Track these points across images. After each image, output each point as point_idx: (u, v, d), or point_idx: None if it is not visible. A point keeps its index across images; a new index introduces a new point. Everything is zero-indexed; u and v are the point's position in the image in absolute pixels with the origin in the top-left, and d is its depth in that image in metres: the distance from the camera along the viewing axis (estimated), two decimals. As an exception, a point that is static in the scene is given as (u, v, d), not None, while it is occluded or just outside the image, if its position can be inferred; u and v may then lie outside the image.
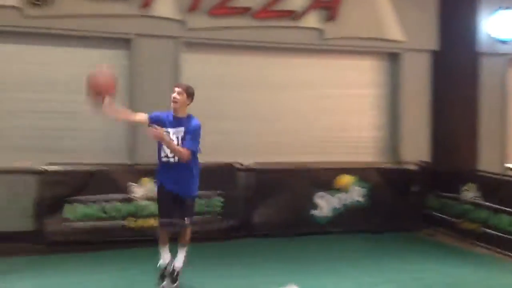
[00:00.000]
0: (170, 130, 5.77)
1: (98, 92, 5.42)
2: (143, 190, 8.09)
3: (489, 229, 8.13)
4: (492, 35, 10.00)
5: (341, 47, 9.56)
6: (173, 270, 5.92)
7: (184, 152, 5.69)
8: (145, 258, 7.09)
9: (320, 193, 8.90)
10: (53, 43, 8.31)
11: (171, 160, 5.81)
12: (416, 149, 9.75)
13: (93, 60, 8.41)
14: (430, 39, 9.87)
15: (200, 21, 8.73)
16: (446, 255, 7.91)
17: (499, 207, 8.00)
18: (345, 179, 9.04)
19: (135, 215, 8.06)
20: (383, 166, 9.52)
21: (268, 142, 9.24)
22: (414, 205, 9.42)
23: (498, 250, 7.92)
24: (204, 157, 8.61)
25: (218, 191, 8.38)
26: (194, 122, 5.86)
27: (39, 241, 7.71)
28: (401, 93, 9.85)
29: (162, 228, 5.93)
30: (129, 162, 8.53)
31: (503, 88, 10.19)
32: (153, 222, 7.88)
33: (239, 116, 9.17)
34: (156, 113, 5.88)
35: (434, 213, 9.28)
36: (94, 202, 7.91)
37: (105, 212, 7.95)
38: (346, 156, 9.45)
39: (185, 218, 5.89)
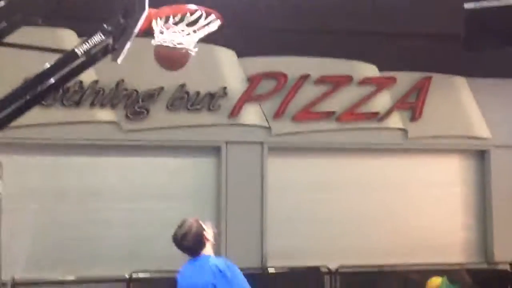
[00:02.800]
0: None
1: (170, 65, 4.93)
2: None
3: None
4: None
5: (426, 146, 9.55)
6: None
7: None
8: None
9: (411, 297, 8.77)
10: (146, 154, 8.77)
11: None
12: (509, 249, 9.40)
13: (185, 169, 8.91)
14: (517, 135, 9.72)
15: (285, 126, 9.02)
16: None
17: None
18: (436, 282, 8.83)
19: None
20: (474, 267, 9.26)
21: (355, 244, 9.19)
22: (509, 308, 9.08)
23: None
24: (292, 261, 8.82)
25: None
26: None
27: None
28: (490, 191, 9.64)
29: None
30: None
31: None
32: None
33: (325, 218, 9.22)
34: None
35: (530, 316, 8.90)
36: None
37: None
38: (435, 258, 9.23)
39: None
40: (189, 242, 4.41)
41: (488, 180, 9.71)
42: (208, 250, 4.44)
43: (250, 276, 8.39)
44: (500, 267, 9.31)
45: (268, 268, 8.75)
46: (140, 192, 8.69)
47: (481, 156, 9.84)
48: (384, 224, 9.39)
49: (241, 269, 8.00)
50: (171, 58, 4.75)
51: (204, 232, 4.40)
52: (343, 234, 9.20)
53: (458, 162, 9.87)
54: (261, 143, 8.97)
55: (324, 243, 9.16)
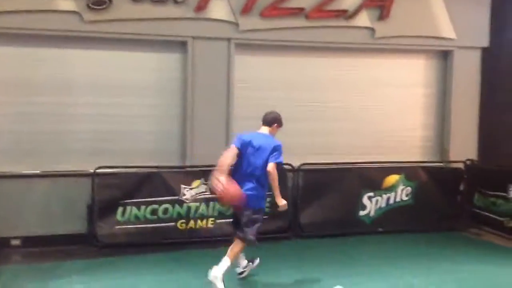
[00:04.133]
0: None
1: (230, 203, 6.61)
2: (194, 192, 8.30)
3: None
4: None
5: (392, 46, 9.55)
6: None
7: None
8: (195, 260, 7.52)
9: (368, 193, 9.07)
10: (110, 47, 8.48)
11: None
12: (464, 148, 9.80)
13: (150, 64, 8.68)
14: (481, 36, 9.81)
15: (252, 22, 8.82)
16: (492, 255, 8.09)
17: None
18: (393, 179, 9.17)
19: (186, 217, 8.26)
20: (430, 165, 9.60)
21: (318, 142, 9.38)
22: (461, 204, 9.56)
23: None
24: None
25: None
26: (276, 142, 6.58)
27: (92, 244, 7.94)
28: (451, 92, 9.86)
29: None
30: (180, 164, 8.77)
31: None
32: (203, 224, 8.23)
33: (289, 117, 9.19)
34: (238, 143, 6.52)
35: (481, 212, 9.39)
36: (146, 204, 8.08)
37: (156, 215, 8.12)
38: (395, 156, 9.55)
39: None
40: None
41: (450, 80, 9.88)
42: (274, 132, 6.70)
43: None
44: (455, 165, 9.69)
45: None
46: (106, 86, 8.49)
47: (444, 56, 9.95)
48: (347, 123, 9.56)
49: (207, 167, 8.21)
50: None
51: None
52: (307, 132, 9.33)
53: (423, 63, 9.97)
54: (228, 39, 8.78)
55: (287, 141, 9.23)
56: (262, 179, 6.43)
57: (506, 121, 9.69)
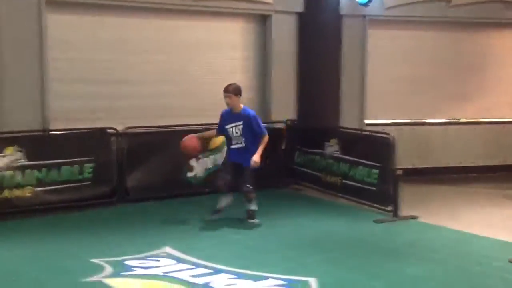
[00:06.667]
0: (231, 125, 7.50)
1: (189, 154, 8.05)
2: (7, 159, 7.69)
3: (348, 180, 8.80)
4: (353, -2, 10.50)
5: (212, 9, 9.57)
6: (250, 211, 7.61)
7: (265, 140, 7.57)
8: (11, 232, 7.05)
9: (194, 155, 9.08)
10: None
11: (240, 146, 7.54)
12: (285, 109, 10.18)
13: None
14: (297, 1, 10.16)
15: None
16: (310, 208, 8.53)
17: (357, 160, 8.66)
18: (220, 140, 9.24)
19: (-1, 187, 7.64)
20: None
21: (139, 106, 9.19)
22: (283, 162, 9.93)
23: (356, 200, 8.63)
24: (77, 123, 8.51)
25: (90, 157, 8.24)
26: (251, 113, 7.52)
27: None
28: (270, 55, 10.15)
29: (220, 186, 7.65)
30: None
31: (363, 49, 10.77)
32: (19, 193, 7.65)
33: (109, 80, 8.98)
34: (219, 122, 7.67)
35: (301, 168, 9.86)
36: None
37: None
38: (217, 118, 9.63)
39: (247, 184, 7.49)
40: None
41: (268, 44, 10.17)
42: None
43: (32, 138, 8.11)
44: (276, 126, 10.04)
45: (51, 131, 8.36)
46: None
47: (263, 20, 10.20)
48: (168, 86, 9.46)
49: (21, 132, 7.68)
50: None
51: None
52: (128, 96, 9.11)
53: (242, 26, 10.12)
54: (39, -3, 8.19)
55: (111, 105, 8.97)
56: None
57: (322, 84, 10.22)
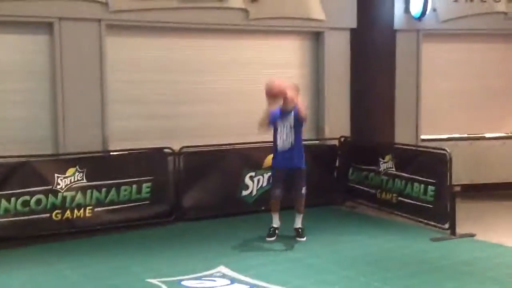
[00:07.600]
0: (283, 121, 7.54)
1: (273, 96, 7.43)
2: (68, 181, 7.92)
3: (404, 198, 8.67)
4: (407, 12, 10.39)
5: (266, 28, 9.67)
6: (300, 229, 7.69)
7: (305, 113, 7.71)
8: (72, 251, 7.26)
9: (250, 173, 9.16)
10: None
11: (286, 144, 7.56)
12: (338, 126, 10.14)
13: (14, 46, 8.22)
14: (349, 18, 10.15)
15: (123, 2, 8.55)
16: (365, 226, 8.44)
17: (412, 176, 8.53)
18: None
19: (61, 207, 7.84)
20: (307, 143, 9.82)
21: (197, 125, 9.33)
22: (337, 179, 9.90)
23: (412, 217, 8.49)
24: (134, 143, 8.73)
25: (148, 177, 8.40)
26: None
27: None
28: (323, 72, 10.15)
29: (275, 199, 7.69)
30: (53, 152, 8.37)
31: (417, 64, 10.64)
32: (80, 213, 7.89)
33: (166, 100, 9.18)
34: (271, 117, 7.53)
35: (355, 185, 9.78)
36: (16, 196, 7.59)
37: (28, 206, 7.64)
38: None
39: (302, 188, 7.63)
40: None
41: (322, 61, 10.18)
42: None
43: (92, 160, 8.39)
44: (330, 143, 10.02)
45: (111, 152, 8.60)
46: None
47: (316, 37, 10.23)
48: (224, 105, 9.57)
49: (82, 153, 7.95)
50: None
51: None
52: (185, 115, 9.27)
53: (296, 43, 10.17)
54: (99, 20, 8.47)
55: (166, 124, 9.16)
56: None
57: (376, 100, 10.15)
